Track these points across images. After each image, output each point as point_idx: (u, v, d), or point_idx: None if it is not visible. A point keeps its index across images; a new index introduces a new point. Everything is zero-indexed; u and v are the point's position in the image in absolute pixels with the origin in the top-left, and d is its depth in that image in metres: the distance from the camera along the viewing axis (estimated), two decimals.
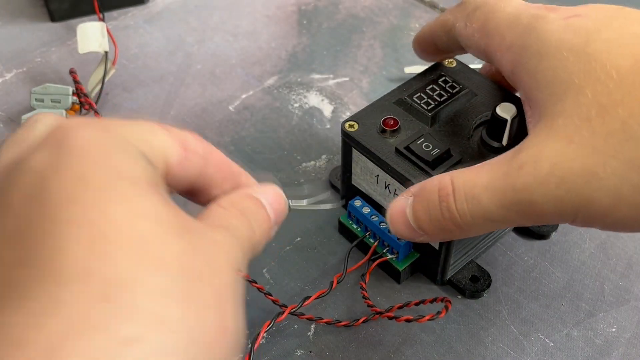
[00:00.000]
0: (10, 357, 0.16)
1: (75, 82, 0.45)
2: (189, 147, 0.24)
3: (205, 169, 0.25)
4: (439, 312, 0.34)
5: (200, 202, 0.27)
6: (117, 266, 0.18)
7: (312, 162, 0.44)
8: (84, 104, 0.45)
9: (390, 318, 0.35)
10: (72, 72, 0.46)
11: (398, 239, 0.36)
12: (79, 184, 0.19)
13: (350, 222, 0.39)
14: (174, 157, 0.23)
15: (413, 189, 0.30)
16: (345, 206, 0.39)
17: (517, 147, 0.27)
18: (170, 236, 0.20)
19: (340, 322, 0.35)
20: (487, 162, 0.28)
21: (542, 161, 0.26)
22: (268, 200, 0.27)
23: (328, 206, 0.34)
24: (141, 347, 0.17)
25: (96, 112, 0.42)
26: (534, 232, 0.39)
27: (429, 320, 0.34)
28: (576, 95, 0.26)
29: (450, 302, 0.34)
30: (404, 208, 0.30)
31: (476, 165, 0.28)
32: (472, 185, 0.27)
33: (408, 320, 0.34)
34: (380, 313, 0.35)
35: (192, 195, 0.26)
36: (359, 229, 0.38)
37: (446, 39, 0.35)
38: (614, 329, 0.36)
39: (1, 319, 0.17)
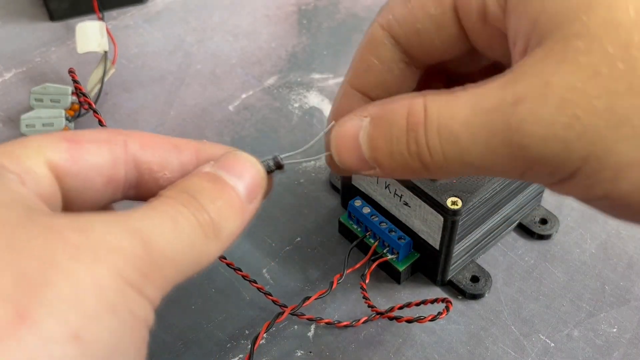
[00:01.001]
0: None
1: (75, 81, 0.45)
2: (81, 138, 0.22)
3: (123, 155, 0.23)
4: (439, 313, 0.34)
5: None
6: None
7: (312, 162, 0.44)
8: (83, 103, 0.45)
9: (390, 319, 0.35)
10: (71, 72, 0.46)
11: (399, 238, 0.36)
12: None
13: (350, 222, 0.38)
14: (59, 153, 0.21)
15: (372, 108, 0.24)
16: (345, 206, 0.39)
17: (507, 74, 0.21)
18: None
19: (341, 322, 0.35)
20: (468, 88, 0.22)
21: (548, 95, 0.20)
22: (232, 172, 0.23)
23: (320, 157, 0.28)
24: None
25: (95, 112, 0.42)
26: (534, 233, 0.39)
27: (429, 321, 0.34)
28: (609, 10, 0.19)
29: (450, 303, 0.34)
30: (357, 131, 0.23)
31: (455, 91, 0.22)
32: (449, 116, 0.21)
33: (408, 321, 0.34)
34: (380, 313, 0.35)
35: (143, 194, 0.24)
36: (359, 229, 0.38)
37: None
38: (614, 330, 0.36)
39: None
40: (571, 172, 0.20)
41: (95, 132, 0.23)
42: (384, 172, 0.24)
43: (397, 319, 0.35)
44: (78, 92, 0.45)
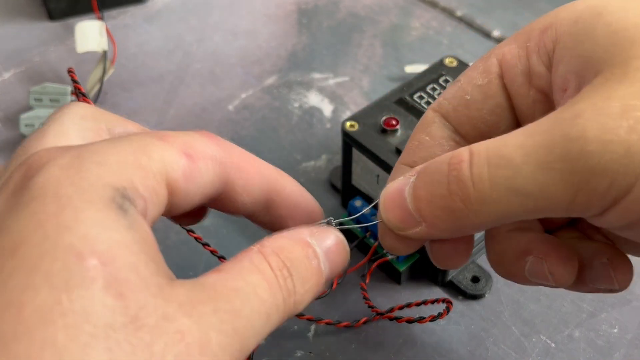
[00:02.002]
0: None
1: (74, 81, 0.45)
2: (197, 153, 0.22)
3: (222, 174, 0.23)
4: (440, 313, 0.34)
5: (223, 211, 0.25)
6: None
7: (312, 162, 0.44)
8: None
9: (390, 319, 0.35)
10: (70, 72, 0.46)
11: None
12: (7, 261, 0.17)
13: (350, 222, 0.38)
14: (178, 172, 0.21)
15: (419, 166, 0.24)
16: (345, 206, 0.39)
17: (565, 105, 0.21)
18: (101, 341, 0.17)
19: (341, 323, 0.35)
20: (522, 127, 0.22)
21: (611, 105, 0.20)
22: (325, 248, 0.23)
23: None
24: None
25: None
26: None
27: (429, 321, 0.34)
28: None
29: (451, 303, 0.34)
30: (403, 187, 0.24)
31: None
32: (501, 145, 0.21)
33: (409, 321, 0.34)
34: (380, 314, 0.35)
35: (212, 205, 0.24)
36: (359, 229, 0.38)
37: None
38: (615, 330, 0.36)
39: None
40: (630, 182, 0.20)
41: (205, 143, 0.22)
42: (428, 225, 0.23)
43: (398, 319, 0.35)
44: (77, 91, 0.44)
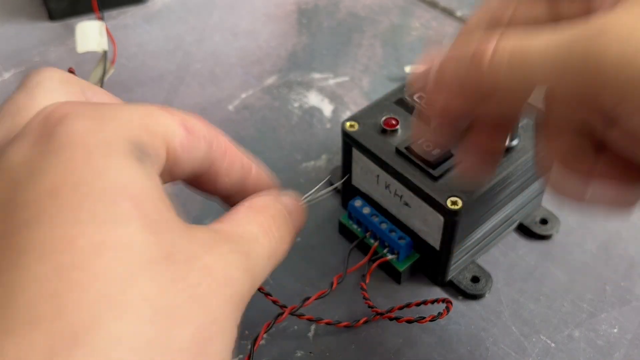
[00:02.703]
0: None
1: None
2: (193, 129, 0.23)
3: (209, 154, 0.24)
4: (440, 313, 0.34)
5: (204, 190, 0.26)
6: (76, 313, 0.17)
7: (312, 162, 0.44)
8: None
9: (390, 319, 0.35)
10: (70, 72, 0.46)
11: (399, 239, 0.36)
12: (50, 201, 0.18)
13: (350, 223, 0.38)
14: (176, 140, 0.22)
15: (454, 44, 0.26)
16: (345, 206, 0.39)
17: (596, 15, 0.21)
18: (146, 272, 0.18)
19: (341, 323, 0.35)
20: (551, 30, 0.22)
21: (637, 27, 0.20)
22: (289, 207, 0.26)
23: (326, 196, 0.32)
24: None
25: None
26: (535, 233, 0.39)
27: (429, 321, 0.34)
28: None
29: (451, 303, 0.34)
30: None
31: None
32: (525, 44, 0.22)
33: (409, 321, 0.34)
34: (380, 314, 0.35)
35: (196, 183, 0.25)
36: (359, 230, 0.38)
37: None
38: (615, 330, 0.36)
39: None
40: (636, 106, 0.20)
41: (197, 121, 0.24)
42: (445, 99, 0.25)
43: (397, 319, 0.35)
44: None
